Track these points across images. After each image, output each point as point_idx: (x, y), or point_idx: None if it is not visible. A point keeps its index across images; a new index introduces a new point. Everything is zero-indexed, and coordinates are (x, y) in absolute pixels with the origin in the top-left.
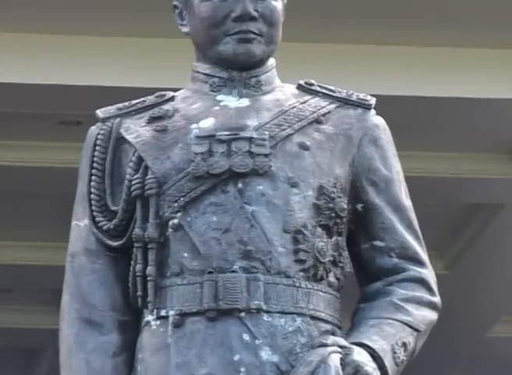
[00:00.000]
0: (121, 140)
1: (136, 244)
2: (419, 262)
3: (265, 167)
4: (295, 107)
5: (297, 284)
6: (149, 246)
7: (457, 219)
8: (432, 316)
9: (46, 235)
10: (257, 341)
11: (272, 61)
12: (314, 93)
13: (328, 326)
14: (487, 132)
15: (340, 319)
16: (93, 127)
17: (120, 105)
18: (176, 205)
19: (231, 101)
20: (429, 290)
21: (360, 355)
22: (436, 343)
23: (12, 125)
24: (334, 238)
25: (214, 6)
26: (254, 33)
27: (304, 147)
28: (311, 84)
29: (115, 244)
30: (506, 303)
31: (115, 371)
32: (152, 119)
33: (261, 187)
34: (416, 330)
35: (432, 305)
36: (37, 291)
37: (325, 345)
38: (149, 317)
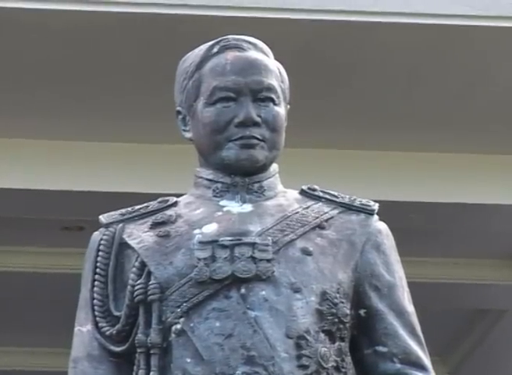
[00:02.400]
0: (124, 245)
1: (138, 350)
2: (422, 368)
3: (268, 272)
4: (298, 212)
5: None
6: (152, 351)
7: (460, 325)
8: None
9: (47, 341)
10: None
11: (274, 166)
12: (317, 198)
13: None
14: (488, 238)
15: None
16: (96, 233)
17: (123, 211)
18: (178, 310)
19: (234, 207)
20: None
21: None
22: None
23: (15, 230)
24: (337, 344)
25: (217, 112)
26: (257, 138)
27: (306, 252)
28: (314, 190)
29: (118, 349)
30: None
31: None
32: (155, 225)
33: (263, 293)
34: None
35: None
36: None
37: None
38: None
